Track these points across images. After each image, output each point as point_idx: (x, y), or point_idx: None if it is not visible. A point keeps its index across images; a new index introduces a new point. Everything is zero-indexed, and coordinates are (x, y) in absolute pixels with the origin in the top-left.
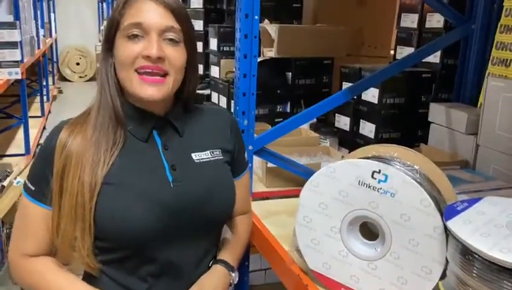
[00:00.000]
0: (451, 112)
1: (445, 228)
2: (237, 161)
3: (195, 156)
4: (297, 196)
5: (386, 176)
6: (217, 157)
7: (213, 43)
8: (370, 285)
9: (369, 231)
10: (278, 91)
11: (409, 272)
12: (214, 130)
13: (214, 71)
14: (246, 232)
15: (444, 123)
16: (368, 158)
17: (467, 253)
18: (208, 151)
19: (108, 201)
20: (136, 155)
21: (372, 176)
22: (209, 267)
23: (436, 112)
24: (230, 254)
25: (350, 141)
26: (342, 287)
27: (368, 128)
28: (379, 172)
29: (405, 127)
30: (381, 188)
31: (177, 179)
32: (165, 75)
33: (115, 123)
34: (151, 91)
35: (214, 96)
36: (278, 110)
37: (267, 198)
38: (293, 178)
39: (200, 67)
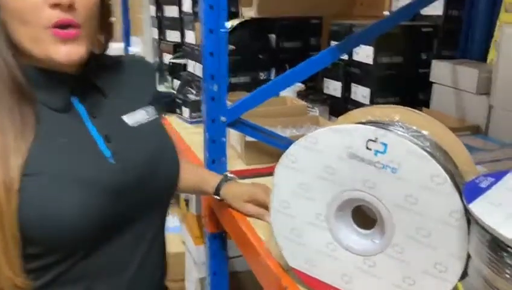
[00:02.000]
0: (458, 69)
1: (466, 212)
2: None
3: (128, 119)
4: None
5: (385, 146)
6: (152, 117)
7: (186, 4)
8: (367, 286)
9: (364, 217)
10: (260, 56)
11: (417, 271)
12: (140, 83)
13: (189, 36)
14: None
15: (450, 83)
16: (360, 124)
17: (497, 246)
18: (142, 111)
19: (33, 197)
20: (56, 132)
21: (367, 147)
22: (160, 253)
23: (440, 70)
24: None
25: (342, 109)
26: (332, 289)
27: (361, 93)
28: (375, 140)
29: (404, 89)
30: (378, 162)
31: (116, 153)
32: (78, 27)
33: (19, 96)
34: (66, 50)
35: (191, 65)
36: (260, 77)
37: (247, 177)
38: (276, 153)
39: (177, 34)
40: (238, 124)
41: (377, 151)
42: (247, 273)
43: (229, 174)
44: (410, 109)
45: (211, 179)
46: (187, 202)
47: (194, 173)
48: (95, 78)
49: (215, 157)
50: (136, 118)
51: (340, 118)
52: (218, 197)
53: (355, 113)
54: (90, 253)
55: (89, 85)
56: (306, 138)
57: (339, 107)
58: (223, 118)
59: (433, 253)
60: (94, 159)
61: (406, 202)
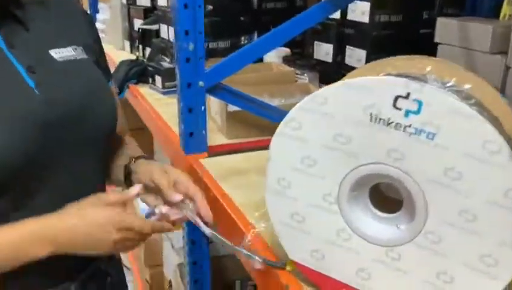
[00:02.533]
0: (468, 26)
1: None
2: (101, 64)
3: (56, 54)
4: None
5: (420, 104)
6: (82, 56)
7: None
8: (389, 284)
9: (384, 199)
10: (241, 18)
11: (457, 264)
12: (68, 22)
13: None
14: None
15: (458, 42)
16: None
17: None
18: (70, 48)
19: None
20: None
21: (395, 106)
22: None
23: (446, 29)
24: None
25: (334, 75)
26: (344, 288)
27: (356, 57)
28: (407, 97)
29: (404, 51)
30: (410, 126)
31: (40, 84)
32: None
33: None
34: None
35: (164, 31)
36: (242, 42)
37: (229, 152)
38: (263, 125)
39: None
40: (218, 90)
41: (408, 112)
42: (231, 258)
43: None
44: (442, 59)
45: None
46: None
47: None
48: (14, 9)
49: (194, 129)
50: (64, 53)
51: (355, 71)
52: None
53: (371, 66)
54: (22, 195)
55: (9, 16)
56: (312, 98)
57: (331, 73)
58: (201, 83)
59: (479, 242)
60: (18, 88)
61: (446, 177)
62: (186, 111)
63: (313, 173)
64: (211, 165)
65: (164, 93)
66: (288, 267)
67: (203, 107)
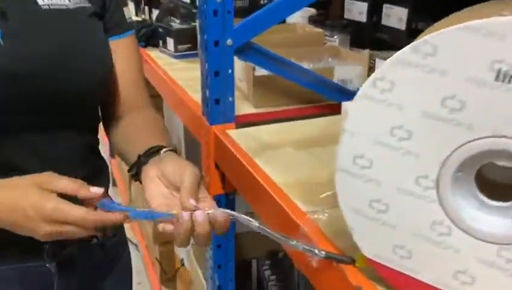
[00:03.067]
0: None
1: None
2: (113, 14)
3: (44, 1)
4: (302, 118)
5: None
6: (79, 5)
7: None
8: None
9: (489, 184)
10: None
11: None
12: None
13: None
14: (162, 122)
15: None
16: None
17: None
18: None
19: None
20: None
21: None
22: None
23: None
24: (167, 141)
25: (368, 38)
26: None
27: (396, 16)
28: None
29: (455, 9)
30: None
31: (11, 32)
32: None
33: None
34: None
35: None
36: (262, 1)
37: (256, 124)
38: (295, 92)
39: None
40: (247, 50)
41: None
42: (248, 236)
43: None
44: None
45: (142, 149)
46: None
47: (137, 134)
48: None
49: (220, 95)
50: (54, 2)
51: (447, 18)
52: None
53: (478, 9)
54: None
55: None
56: (414, 48)
57: (364, 35)
58: (229, 41)
59: None
60: None
61: None
62: (212, 74)
63: (405, 149)
64: (240, 137)
65: (176, 57)
66: (358, 263)
67: (230, 70)
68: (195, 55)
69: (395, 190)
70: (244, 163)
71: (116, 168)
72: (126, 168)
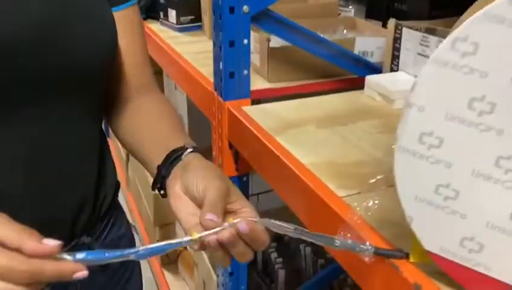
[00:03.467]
0: None
1: None
2: None
3: None
4: (321, 93)
5: None
6: None
7: None
8: None
9: None
10: None
11: None
12: None
13: None
14: (172, 109)
15: None
16: None
17: None
18: None
19: None
20: None
21: None
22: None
23: None
24: (184, 136)
25: (385, 8)
26: None
27: None
28: None
29: None
30: None
31: None
32: None
33: None
34: None
35: None
36: None
37: (270, 100)
38: (312, 65)
39: None
40: (264, 18)
41: None
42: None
43: (190, 146)
44: None
45: (162, 151)
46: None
47: (154, 127)
48: None
49: (235, 68)
50: None
51: None
52: (161, 193)
53: None
54: None
55: None
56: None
57: (381, 5)
58: (245, 8)
59: None
60: None
61: None
62: (226, 44)
63: (485, 125)
64: (257, 114)
65: (179, 30)
66: (412, 258)
67: (246, 40)
68: (199, 27)
69: (469, 173)
70: (266, 142)
71: (112, 146)
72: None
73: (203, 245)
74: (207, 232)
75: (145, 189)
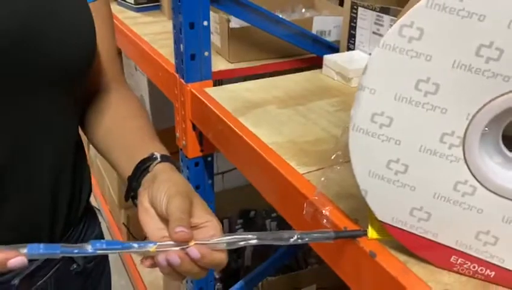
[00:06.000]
0: None
1: None
2: None
3: None
4: (281, 73)
5: None
6: None
7: None
8: None
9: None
10: None
11: None
12: None
13: None
14: (141, 108)
15: None
16: None
17: None
18: None
19: None
20: None
21: None
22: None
23: None
24: (155, 143)
25: None
26: (454, 255)
27: None
28: None
29: None
30: None
31: None
32: None
33: None
34: None
35: None
36: None
37: (231, 81)
38: (272, 45)
39: None
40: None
41: None
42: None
43: (159, 155)
44: None
45: (132, 161)
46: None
47: (123, 134)
48: None
49: (196, 50)
50: None
51: None
52: (135, 203)
53: None
54: None
55: None
56: None
57: None
58: None
59: None
60: None
61: None
62: (187, 26)
63: (430, 104)
64: (219, 95)
65: (138, 10)
66: (370, 235)
67: (206, 22)
68: (157, 7)
69: (417, 149)
70: (229, 123)
71: None
72: None
73: (155, 263)
74: (166, 242)
75: (107, 171)
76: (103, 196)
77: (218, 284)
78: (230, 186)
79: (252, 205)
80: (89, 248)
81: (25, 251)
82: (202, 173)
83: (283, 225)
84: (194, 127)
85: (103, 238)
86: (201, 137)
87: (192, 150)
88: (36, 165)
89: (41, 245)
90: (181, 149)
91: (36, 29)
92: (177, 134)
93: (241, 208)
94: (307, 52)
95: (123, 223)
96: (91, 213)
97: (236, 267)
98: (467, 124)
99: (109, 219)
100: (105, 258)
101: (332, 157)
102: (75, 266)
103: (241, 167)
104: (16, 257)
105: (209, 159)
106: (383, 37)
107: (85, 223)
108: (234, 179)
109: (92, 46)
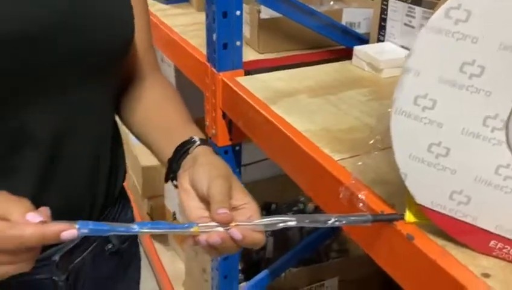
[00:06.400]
0: None
1: None
2: None
3: None
4: (310, 64)
5: None
6: None
7: None
8: None
9: None
10: None
11: None
12: None
13: None
14: (176, 93)
15: None
16: None
17: None
18: None
19: None
20: None
21: None
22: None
23: None
24: (192, 126)
25: None
26: (494, 240)
27: None
28: None
29: None
30: None
31: None
32: None
33: None
34: None
35: None
36: None
37: (261, 71)
38: (301, 36)
39: None
40: None
41: None
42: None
43: (198, 139)
44: None
45: (171, 144)
46: None
47: (160, 117)
48: None
49: (228, 39)
50: None
51: None
52: (174, 184)
53: None
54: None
55: None
56: None
57: None
58: None
59: None
60: None
61: None
62: (220, 16)
63: (475, 87)
64: (251, 84)
65: (167, 2)
66: (408, 218)
67: (239, 12)
68: (186, 0)
69: (459, 132)
70: (262, 111)
71: None
72: None
73: (195, 242)
74: (208, 223)
75: (132, 161)
76: (127, 185)
77: (240, 274)
78: (250, 179)
79: (272, 199)
80: (135, 227)
81: (76, 226)
82: (231, 162)
83: None
84: (224, 116)
85: (133, 221)
86: (230, 126)
87: (222, 138)
88: (79, 146)
89: (90, 222)
90: (210, 138)
91: (74, 20)
92: (207, 123)
93: (262, 201)
94: (335, 43)
95: (147, 213)
96: (125, 196)
97: (257, 259)
98: (511, 107)
99: (134, 208)
100: (137, 241)
101: (371, 143)
102: (110, 246)
103: (272, 154)
104: (68, 230)
105: (237, 148)
106: (429, 20)
107: (119, 205)
108: (254, 172)
109: (131, 32)
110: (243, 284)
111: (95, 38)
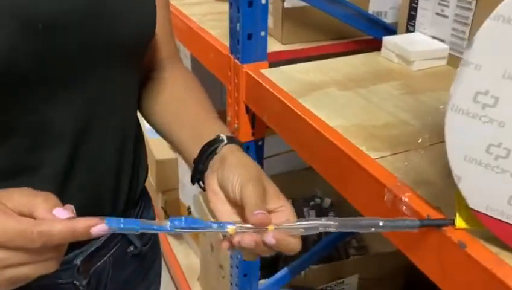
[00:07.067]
0: None
1: None
2: None
3: None
4: (336, 55)
5: None
6: None
7: None
8: None
9: None
10: None
11: None
12: None
13: None
14: (197, 82)
15: None
16: None
17: None
18: None
19: None
20: None
21: None
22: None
23: None
24: (217, 122)
25: None
26: None
27: None
28: None
29: None
30: None
31: None
32: None
33: None
34: None
35: None
36: None
37: (284, 62)
38: (327, 26)
39: None
40: None
41: None
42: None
43: (225, 137)
44: None
45: (196, 142)
46: None
47: (183, 111)
48: None
49: (252, 30)
50: None
51: None
52: (201, 186)
53: None
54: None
55: None
56: None
57: None
58: None
59: None
60: None
61: None
62: (245, 4)
63: None
64: (276, 77)
65: None
66: (458, 224)
67: (264, 0)
68: None
69: None
70: (290, 105)
71: None
72: None
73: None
74: (245, 225)
75: None
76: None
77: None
78: (271, 172)
79: (288, 193)
80: (167, 225)
81: (105, 221)
82: (253, 158)
83: (321, 213)
84: (247, 110)
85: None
86: (253, 121)
87: (245, 133)
88: (101, 143)
89: (122, 219)
90: (232, 133)
91: (100, 12)
92: (228, 117)
93: None
94: (361, 34)
95: (161, 207)
96: (146, 196)
97: (275, 257)
98: None
99: None
100: (158, 243)
101: (419, 141)
102: (132, 248)
103: (299, 149)
104: (98, 225)
105: (260, 143)
106: (497, 8)
107: (141, 205)
108: (269, 167)
109: (151, 26)
110: (262, 282)
111: (120, 27)
